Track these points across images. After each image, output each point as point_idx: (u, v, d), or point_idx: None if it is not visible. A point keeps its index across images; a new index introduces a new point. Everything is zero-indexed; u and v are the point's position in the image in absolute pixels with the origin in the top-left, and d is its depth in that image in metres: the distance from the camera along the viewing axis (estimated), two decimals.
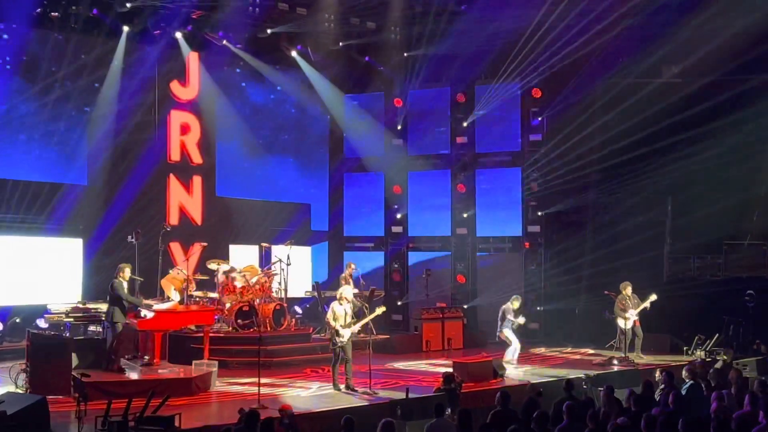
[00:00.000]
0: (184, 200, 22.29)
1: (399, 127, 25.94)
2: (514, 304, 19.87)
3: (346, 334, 15.75)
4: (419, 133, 25.96)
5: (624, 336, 20.00)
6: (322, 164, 27.30)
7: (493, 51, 23.30)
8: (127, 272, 16.40)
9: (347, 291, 16.27)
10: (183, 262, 20.10)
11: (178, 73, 22.66)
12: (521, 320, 19.80)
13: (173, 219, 21.73)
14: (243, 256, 22.55)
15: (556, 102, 23.76)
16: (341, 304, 15.86)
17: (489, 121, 25.07)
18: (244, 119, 25.03)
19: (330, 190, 27.14)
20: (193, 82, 22.70)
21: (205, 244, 19.76)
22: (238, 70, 25.12)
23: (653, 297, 19.99)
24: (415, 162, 25.90)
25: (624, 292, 20.16)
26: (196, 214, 22.29)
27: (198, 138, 22.69)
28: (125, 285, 16.27)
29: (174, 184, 22.36)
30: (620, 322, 20.12)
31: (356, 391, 15.83)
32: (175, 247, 21.23)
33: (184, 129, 22.70)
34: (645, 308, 20.01)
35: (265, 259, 22.19)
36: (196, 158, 22.61)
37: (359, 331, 16.44)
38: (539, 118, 24.14)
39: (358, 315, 16.76)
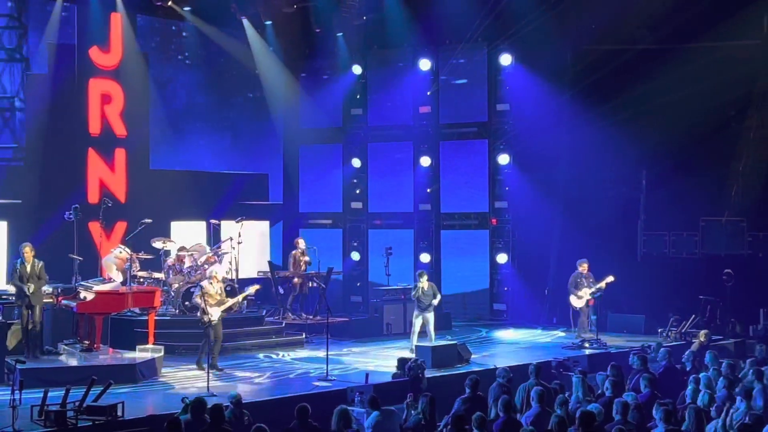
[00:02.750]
0: (106, 176, 21.51)
1: (358, 96, 25.76)
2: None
3: (215, 314, 16.17)
4: (380, 102, 25.81)
5: (577, 316, 20.33)
6: (275, 136, 27.06)
7: (459, 14, 23.16)
8: (27, 252, 15.99)
9: (218, 270, 17.05)
10: (106, 243, 19.72)
11: (100, 38, 21.82)
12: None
13: (93, 197, 20.95)
14: (187, 233, 22.26)
15: (525, 70, 23.71)
16: (212, 284, 16.43)
17: (454, 90, 24.98)
18: (188, 86, 24.68)
19: (284, 164, 26.92)
20: (116, 47, 21.84)
21: (149, 220, 19.43)
22: (185, 34, 24.77)
23: (610, 278, 20.06)
24: (375, 133, 25.77)
25: (580, 269, 20.33)
26: (120, 190, 21.56)
27: (121, 108, 21.85)
28: (19, 267, 15.84)
29: (93, 158, 21.50)
30: (572, 300, 20.30)
31: (221, 370, 16.28)
32: (95, 227, 20.38)
33: (106, 98, 21.81)
34: (600, 289, 20.08)
35: (214, 236, 21.98)
36: (120, 130, 21.85)
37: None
38: (507, 87, 24.07)
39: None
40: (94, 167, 21.36)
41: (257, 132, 26.95)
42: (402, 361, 15.41)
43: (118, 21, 21.67)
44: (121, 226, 20.91)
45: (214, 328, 16.28)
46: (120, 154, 21.68)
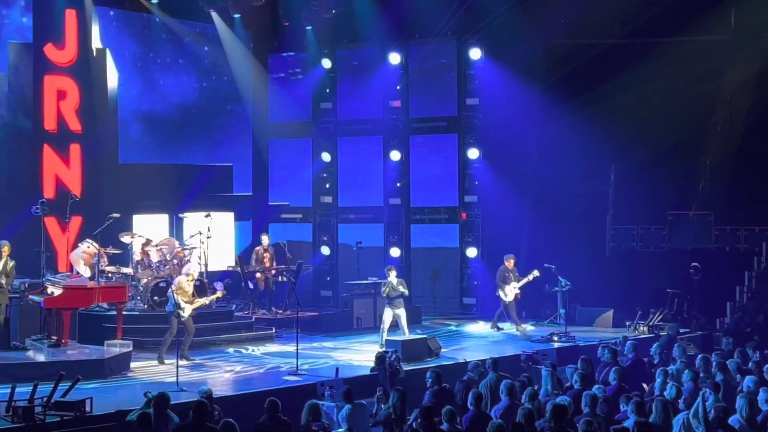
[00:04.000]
0: (61, 171, 21.43)
1: (327, 90, 25.75)
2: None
3: (187, 310, 16.47)
4: (349, 96, 25.81)
5: (506, 309, 20.74)
6: (245, 130, 26.99)
7: (429, 7, 23.22)
8: (5, 251, 16.07)
9: (194, 268, 17.48)
10: (62, 238, 19.67)
11: (56, 34, 21.75)
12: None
13: (48, 192, 20.87)
14: (151, 226, 22.18)
15: (495, 65, 23.81)
16: (189, 281, 16.74)
17: (423, 83, 25.03)
18: (155, 81, 24.55)
19: (253, 158, 26.87)
20: (71, 43, 21.72)
21: (117, 215, 19.35)
22: (156, 24, 24.69)
23: (536, 273, 20.58)
24: (345, 127, 25.78)
25: (506, 264, 20.80)
26: (75, 185, 21.49)
27: (76, 104, 21.79)
28: None
29: (49, 154, 21.32)
30: (501, 294, 20.75)
31: (191, 359, 16.68)
32: (51, 223, 20.10)
33: (61, 95, 21.65)
34: (528, 281, 20.64)
35: (177, 228, 21.92)
36: (75, 125, 21.78)
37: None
38: (476, 81, 24.15)
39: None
40: (50, 163, 21.28)
41: (225, 125, 26.88)
42: (380, 358, 15.45)
43: (73, 18, 21.55)
44: (77, 222, 20.82)
45: (185, 323, 16.48)
46: (75, 150, 21.57)
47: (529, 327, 21.26)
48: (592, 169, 23.88)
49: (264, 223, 25.71)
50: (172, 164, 24.97)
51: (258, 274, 21.77)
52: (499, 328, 21.13)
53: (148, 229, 21.62)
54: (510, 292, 20.65)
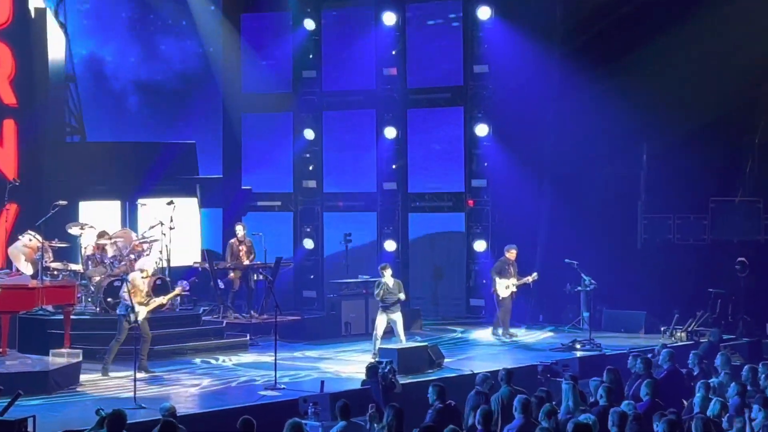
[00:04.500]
0: None
1: (311, 56, 25.71)
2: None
3: (142, 313, 16.51)
4: (337, 63, 25.78)
5: (498, 306, 21.01)
6: (214, 104, 26.97)
7: None
8: None
9: (149, 263, 17.40)
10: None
11: None
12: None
13: None
14: (100, 215, 22.17)
15: (507, 25, 23.78)
16: (144, 278, 16.78)
17: (423, 48, 24.99)
18: (107, 48, 24.57)
19: (224, 135, 26.84)
20: (3, 1, 21.64)
21: (64, 202, 19.31)
22: None
23: (534, 276, 20.91)
24: (331, 99, 25.74)
25: (507, 255, 21.04)
26: (9, 167, 21.45)
27: (9, 73, 21.70)
28: None
29: None
30: (495, 288, 20.97)
31: (151, 372, 16.67)
32: None
33: None
34: (526, 282, 20.93)
35: (131, 218, 21.90)
36: (9, 98, 21.69)
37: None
38: (486, 45, 24.12)
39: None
40: None
41: (190, 96, 26.84)
42: (372, 369, 15.45)
43: None
44: (12, 210, 20.79)
45: (140, 327, 16.48)
46: (9, 126, 21.56)
47: (520, 332, 21.37)
48: (621, 149, 23.85)
49: (236, 211, 25.72)
50: (125, 142, 24.94)
51: (231, 273, 21.71)
52: (510, 335, 21.10)
53: (97, 218, 21.61)
54: (506, 287, 20.75)
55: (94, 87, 25.96)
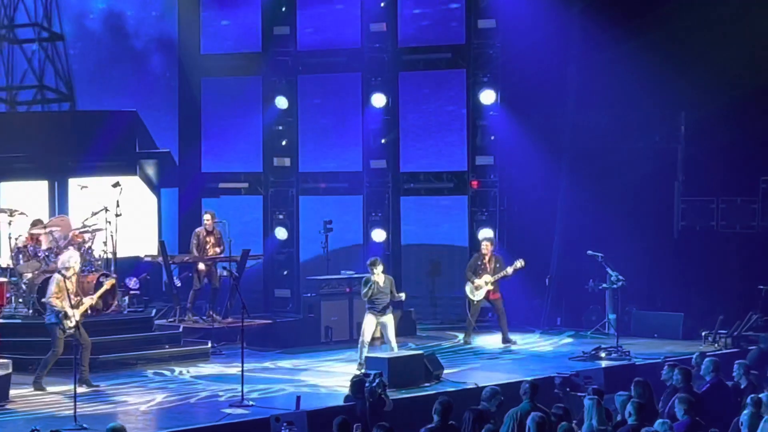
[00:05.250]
0: None
1: (284, 9, 25.70)
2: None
3: (76, 316, 16.62)
4: (314, 18, 25.76)
5: (470, 312, 21.15)
6: (168, 65, 26.97)
7: None
8: None
9: (73, 258, 17.06)
10: None
11: None
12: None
13: None
14: (23, 198, 22.23)
15: None
16: (70, 277, 16.70)
17: (419, 0, 25.04)
18: None
19: (179, 103, 26.81)
20: None
21: None
22: None
23: (519, 263, 20.95)
24: (308, 61, 25.74)
25: (481, 250, 21.20)
26: None
27: None
28: None
29: None
30: (467, 290, 21.05)
31: (94, 387, 16.81)
32: None
33: None
34: (505, 276, 20.95)
35: (60, 201, 21.93)
36: None
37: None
38: None
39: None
40: None
41: (139, 59, 26.85)
42: (358, 383, 15.50)
43: None
44: None
45: (78, 336, 16.54)
46: None
47: (533, 338, 21.67)
48: (654, 120, 23.94)
49: (195, 194, 25.78)
50: (54, 111, 24.93)
51: (200, 265, 21.63)
52: (508, 342, 21.26)
53: (20, 202, 21.62)
54: (481, 287, 20.85)
55: None
